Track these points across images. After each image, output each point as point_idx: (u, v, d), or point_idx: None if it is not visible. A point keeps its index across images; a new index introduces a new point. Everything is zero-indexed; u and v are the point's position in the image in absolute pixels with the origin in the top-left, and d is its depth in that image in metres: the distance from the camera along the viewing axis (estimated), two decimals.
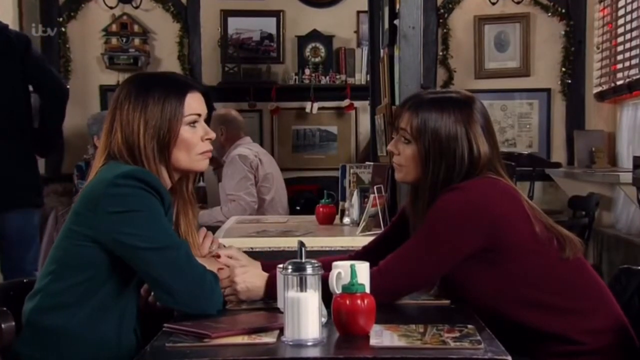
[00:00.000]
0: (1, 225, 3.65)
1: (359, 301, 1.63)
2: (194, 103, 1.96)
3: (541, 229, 1.95)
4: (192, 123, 1.96)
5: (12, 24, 5.11)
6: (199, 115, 1.97)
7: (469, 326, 1.70)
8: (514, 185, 2.05)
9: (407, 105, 2.04)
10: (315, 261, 1.63)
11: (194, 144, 1.96)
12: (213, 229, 3.32)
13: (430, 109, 1.99)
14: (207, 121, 2.03)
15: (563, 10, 5.70)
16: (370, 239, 2.39)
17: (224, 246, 2.23)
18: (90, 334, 1.85)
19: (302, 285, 1.60)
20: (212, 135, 2.00)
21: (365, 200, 3.11)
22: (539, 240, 1.94)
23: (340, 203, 3.52)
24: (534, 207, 2.00)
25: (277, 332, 1.65)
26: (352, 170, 3.52)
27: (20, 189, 3.66)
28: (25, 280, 2.09)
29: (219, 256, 2.08)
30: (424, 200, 2.00)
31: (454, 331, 1.66)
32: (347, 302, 1.63)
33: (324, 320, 1.66)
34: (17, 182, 3.64)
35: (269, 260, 2.20)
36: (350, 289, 1.65)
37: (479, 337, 1.61)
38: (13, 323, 1.83)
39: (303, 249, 1.65)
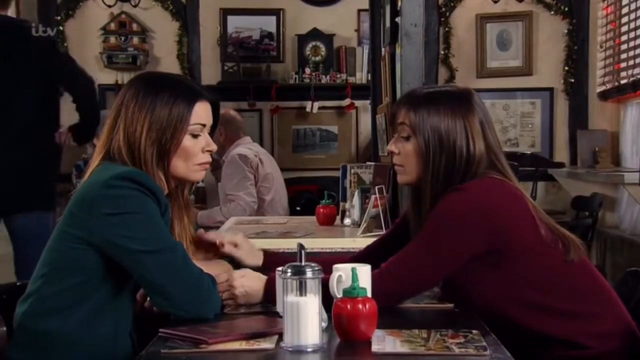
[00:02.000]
0: (15, 227, 3.68)
1: (360, 306, 1.59)
2: (202, 112, 1.93)
3: (546, 231, 1.92)
4: (196, 132, 1.92)
5: None
6: (204, 125, 1.94)
7: (474, 331, 1.66)
8: (519, 185, 2.00)
9: (403, 101, 2.01)
10: (315, 264, 1.58)
11: (193, 153, 1.92)
12: (212, 229, 3.30)
13: (428, 103, 1.96)
14: (212, 131, 1.99)
15: (566, 9, 5.68)
16: (371, 240, 2.35)
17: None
18: (84, 339, 1.81)
19: (302, 290, 1.56)
20: (214, 147, 1.96)
21: (367, 200, 3.08)
22: (544, 242, 1.91)
23: (341, 204, 3.49)
24: (538, 209, 1.96)
25: (276, 337, 1.61)
26: (352, 171, 3.49)
27: (32, 191, 3.65)
28: (18, 284, 2.05)
29: (222, 245, 2.04)
30: (426, 201, 1.96)
31: (459, 336, 1.61)
32: (348, 306, 1.59)
33: (324, 324, 1.62)
34: (30, 185, 3.63)
35: (268, 263, 2.16)
36: (351, 293, 1.61)
37: (484, 343, 1.57)
38: (4, 328, 1.80)
39: (303, 251, 1.60)
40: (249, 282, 1.93)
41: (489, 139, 1.96)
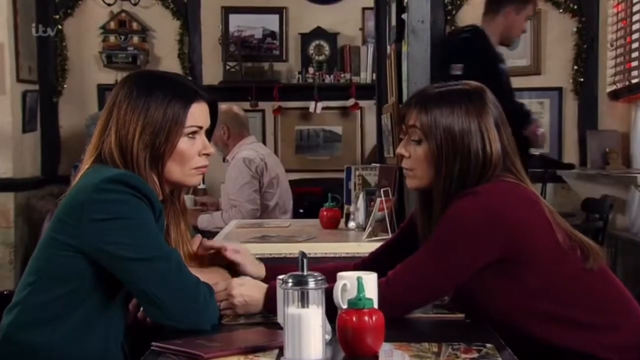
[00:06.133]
0: None
1: (366, 318, 1.50)
2: (199, 114, 1.84)
3: (564, 238, 1.83)
4: (192, 134, 1.82)
5: (7, 23, 5.01)
6: (201, 127, 1.85)
7: (488, 345, 1.57)
8: (534, 189, 1.90)
9: (414, 102, 1.90)
10: (318, 274, 1.49)
11: (189, 157, 1.83)
12: (212, 234, 3.21)
13: (440, 104, 1.85)
14: (210, 132, 1.90)
15: (575, 7, 5.60)
16: (377, 244, 2.27)
17: None
18: (73, 352, 1.73)
19: (304, 301, 1.47)
20: (211, 150, 1.87)
21: (372, 203, 3.01)
22: (562, 249, 1.82)
23: (345, 206, 3.43)
24: (555, 214, 1.87)
25: (276, 351, 1.53)
26: (357, 172, 3.42)
27: None
28: (5, 292, 1.98)
29: (225, 250, 1.98)
30: (437, 206, 1.86)
31: (472, 351, 1.53)
32: (354, 318, 1.50)
33: (327, 337, 1.53)
34: None
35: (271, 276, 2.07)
36: (357, 304, 1.51)
37: (499, 358, 1.49)
38: None
39: (305, 260, 1.51)
40: (248, 291, 1.84)
41: (505, 141, 1.86)
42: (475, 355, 1.50)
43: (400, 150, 1.92)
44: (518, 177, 1.87)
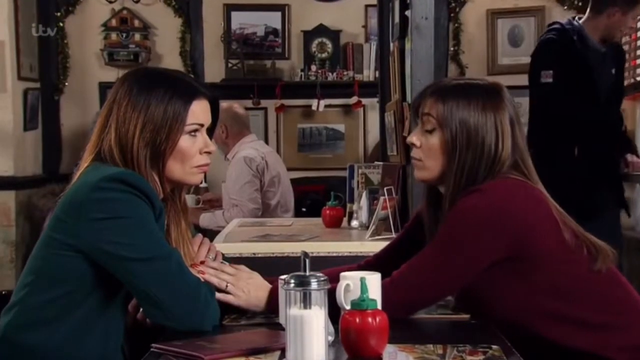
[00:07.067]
0: None
1: (370, 319, 1.47)
2: (200, 111, 1.81)
3: (571, 237, 1.80)
4: (193, 132, 1.80)
5: (8, 20, 4.98)
6: (202, 125, 1.82)
7: (494, 347, 1.54)
8: (542, 187, 1.87)
9: (430, 91, 1.88)
10: (320, 274, 1.46)
11: (190, 155, 1.80)
12: (214, 233, 3.18)
13: (457, 95, 1.83)
14: (212, 130, 1.87)
15: (580, 3, 5.56)
16: (380, 243, 2.26)
17: (224, 258, 2.04)
18: (72, 353, 1.72)
19: (306, 302, 1.44)
20: (212, 148, 1.85)
21: (375, 202, 2.98)
22: (569, 248, 1.79)
23: (348, 205, 3.40)
24: (563, 213, 1.85)
25: (278, 353, 1.51)
26: (360, 171, 3.39)
27: None
28: (3, 292, 1.94)
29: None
30: (445, 202, 1.84)
31: (477, 353, 1.50)
32: (357, 320, 1.47)
33: (330, 338, 1.51)
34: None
35: (272, 267, 2.09)
36: (360, 305, 1.49)
37: None
38: None
39: (307, 260, 1.48)
40: (254, 286, 1.82)
41: (517, 139, 1.84)
42: (481, 357, 1.48)
43: (412, 138, 1.89)
44: (526, 175, 1.84)
